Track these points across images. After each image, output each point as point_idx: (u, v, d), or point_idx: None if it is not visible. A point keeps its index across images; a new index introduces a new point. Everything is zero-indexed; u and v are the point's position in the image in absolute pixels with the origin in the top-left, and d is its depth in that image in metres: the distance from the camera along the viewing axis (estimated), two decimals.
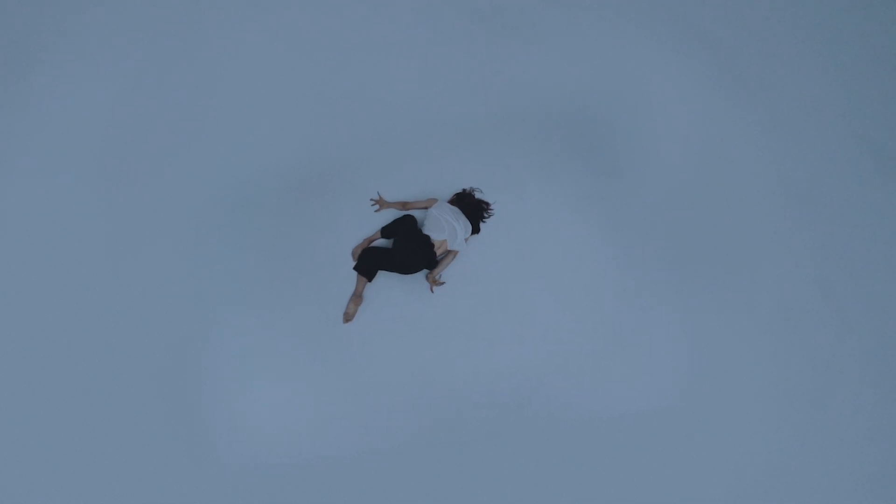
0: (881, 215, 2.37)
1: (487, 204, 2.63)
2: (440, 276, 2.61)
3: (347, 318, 2.55)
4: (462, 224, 2.55)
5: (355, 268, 2.55)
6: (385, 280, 2.61)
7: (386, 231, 2.59)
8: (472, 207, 2.60)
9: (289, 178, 2.66)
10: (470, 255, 2.66)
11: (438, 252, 2.51)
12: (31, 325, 2.18)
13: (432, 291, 2.58)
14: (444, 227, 2.49)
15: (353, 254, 2.64)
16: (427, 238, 2.47)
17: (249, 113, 2.59)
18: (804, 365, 2.29)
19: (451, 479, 2.26)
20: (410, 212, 2.68)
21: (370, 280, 2.55)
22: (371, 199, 2.70)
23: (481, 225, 2.66)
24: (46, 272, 2.24)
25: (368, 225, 2.67)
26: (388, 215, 2.69)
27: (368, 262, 2.53)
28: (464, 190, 2.64)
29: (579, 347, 2.57)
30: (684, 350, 2.44)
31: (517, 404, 2.47)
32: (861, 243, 2.37)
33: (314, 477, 2.25)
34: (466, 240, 2.60)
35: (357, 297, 2.54)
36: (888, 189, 2.36)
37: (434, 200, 2.63)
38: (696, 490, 2.16)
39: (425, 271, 2.60)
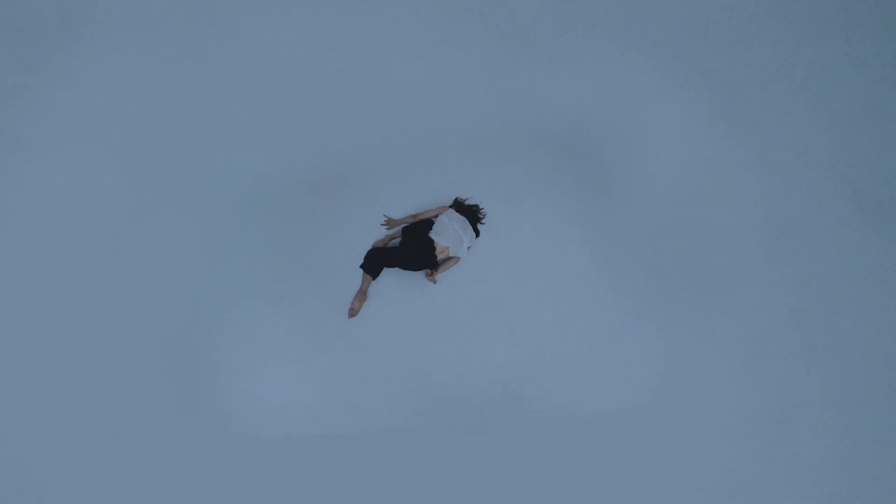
0: (857, 254, 2.50)
1: (478, 206, 2.77)
2: (437, 278, 2.76)
3: (352, 313, 2.70)
4: (469, 234, 2.69)
5: (361, 266, 2.72)
6: (389, 279, 2.76)
7: (404, 231, 2.75)
8: (469, 214, 2.75)
9: (303, 179, 2.80)
10: (469, 260, 2.80)
11: (440, 256, 2.65)
12: (51, 305, 2.30)
13: (434, 283, 2.74)
14: (449, 234, 2.63)
15: (373, 247, 2.79)
16: (431, 241, 2.62)
17: (268, 116, 2.72)
18: (771, 387, 2.42)
19: (441, 464, 2.40)
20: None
21: (374, 278, 2.71)
22: (381, 224, 2.84)
23: (479, 227, 2.80)
24: (67, 254, 2.37)
25: (376, 227, 2.83)
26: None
27: (374, 262, 2.69)
28: (456, 199, 2.79)
29: (566, 350, 2.71)
30: (661, 359, 2.58)
31: (506, 399, 2.62)
32: (836, 279, 2.50)
33: (315, 451, 2.41)
34: (469, 247, 2.76)
35: (362, 294, 2.70)
36: (865, 229, 2.49)
37: (445, 208, 2.76)
38: (663, 488, 2.32)
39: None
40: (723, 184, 2.66)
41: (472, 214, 2.75)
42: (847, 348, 2.44)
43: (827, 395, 2.42)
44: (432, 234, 2.64)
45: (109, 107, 2.50)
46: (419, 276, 2.77)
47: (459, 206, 2.76)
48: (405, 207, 2.88)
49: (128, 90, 2.52)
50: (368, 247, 2.81)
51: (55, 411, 2.26)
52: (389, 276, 2.76)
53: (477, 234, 2.79)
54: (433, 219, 2.75)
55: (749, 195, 2.62)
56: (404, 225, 2.80)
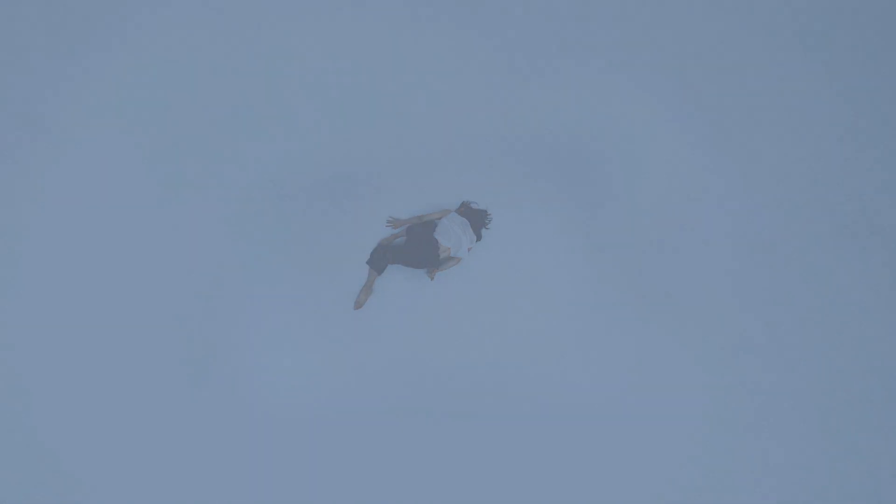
0: (830, 271, 2.65)
1: (485, 212, 2.88)
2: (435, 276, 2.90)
3: (358, 305, 2.84)
4: (468, 236, 2.81)
5: (368, 262, 2.86)
6: (394, 275, 2.89)
7: (409, 231, 2.88)
8: (474, 217, 2.86)
9: (318, 179, 2.93)
10: (469, 263, 2.93)
11: (442, 255, 2.77)
12: (77, 283, 2.47)
13: (431, 279, 2.88)
14: (451, 236, 2.76)
15: (379, 245, 2.92)
16: (435, 242, 2.75)
17: (289, 118, 2.89)
18: (744, 393, 2.55)
19: (432, 444, 2.59)
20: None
21: (380, 274, 2.84)
22: (386, 224, 2.97)
23: (483, 232, 2.90)
24: (93, 235, 2.56)
25: (382, 226, 2.96)
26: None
27: (379, 259, 2.82)
28: (463, 203, 2.92)
29: (553, 348, 2.84)
30: (641, 363, 2.73)
31: (496, 391, 2.77)
32: (809, 294, 2.65)
33: (317, 431, 2.61)
34: (469, 249, 2.90)
35: (367, 289, 2.83)
36: (838, 249, 2.65)
37: (447, 211, 2.88)
38: (637, 480, 2.47)
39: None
40: (706, 201, 2.80)
41: (478, 218, 2.86)
42: (815, 360, 2.59)
43: (795, 403, 2.57)
44: (436, 235, 2.77)
45: (135, 101, 2.68)
46: (421, 273, 2.93)
47: (468, 209, 2.88)
48: (410, 209, 3.02)
49: (154, 88, 2.70)
50: (375, 244, 2.93)
51: (76, 383, 2.46)
52: (394, 272, 2.89)
53: (479, 237, 2.92)
54: (436, 221, 2.88)
55: (732, 212, 2.76)
56: (409, 225, 2.95)
